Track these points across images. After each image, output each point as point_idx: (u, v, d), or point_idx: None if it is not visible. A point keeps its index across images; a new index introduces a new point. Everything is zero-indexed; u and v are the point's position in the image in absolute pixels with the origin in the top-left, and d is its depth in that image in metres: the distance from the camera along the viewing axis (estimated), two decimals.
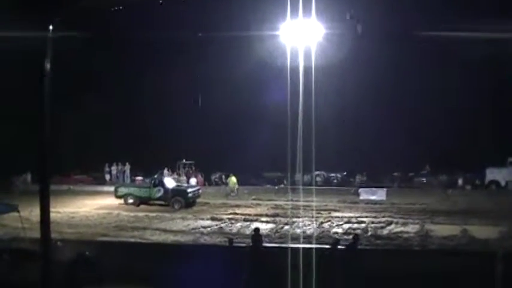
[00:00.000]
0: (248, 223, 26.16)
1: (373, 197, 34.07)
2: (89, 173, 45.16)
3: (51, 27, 12.61)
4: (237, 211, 29.84)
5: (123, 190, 33.87)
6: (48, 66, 12.66)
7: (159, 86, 43.53)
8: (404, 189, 38.57)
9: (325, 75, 33.79)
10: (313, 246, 18.38)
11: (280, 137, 30.96)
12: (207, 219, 27.41)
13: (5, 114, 36.88)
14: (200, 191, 34.62)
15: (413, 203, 31.68)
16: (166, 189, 32.42)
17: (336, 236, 22.27)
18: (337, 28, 32.86)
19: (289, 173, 36.27)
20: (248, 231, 23.09)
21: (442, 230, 23.63)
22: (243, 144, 39.71)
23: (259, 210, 30.59)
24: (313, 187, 35.22)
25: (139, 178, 40.08)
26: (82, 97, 43.21)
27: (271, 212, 29.63)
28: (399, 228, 24.51)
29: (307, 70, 32.62)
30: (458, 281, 14.18)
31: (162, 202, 32.39)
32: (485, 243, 20.28)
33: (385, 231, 23.91)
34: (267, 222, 26.54)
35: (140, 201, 32.69)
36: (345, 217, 27.51)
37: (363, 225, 25.30)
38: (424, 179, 41.32)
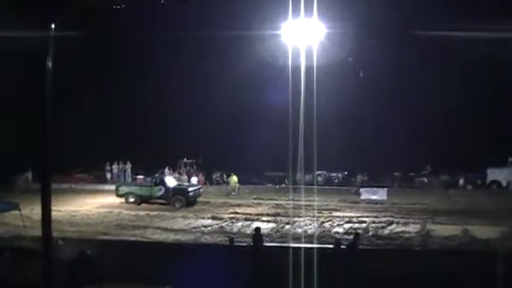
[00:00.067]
0: (249, 222, 26.15)
1: (374, 197, 34.06)
2: (90, 171, 45.12)
3: (53, 26, 12.63)
4: (238, 210, 29.82)
5: (124, 189, 33.90)
6: (50, 65, 12.67)
7: (160, 85, 43.51)
8: (405, 189, 38.51)
9: (327, 74, 33.75)
10: (314, 246, 18.42)
11: (282, 137, 31.04)
12: (208, 219, 27.43)
13: (6, 113, 36.88)
14: (201, 190, 34.64)
15: (414, 203, 31.66)
16: (167, 188, 32.45)
17: (336, 235, 22.35)
18: (339, 27, 32.89)
19: (290, 173, 36.37)
20: (249, 231, 23.08)
21: (443, 230, 23.62)
22: (245, 144, 39.70)
23: (260, 209, 30.58)
24: (315, 187, 35.27)
25: (141, 177, 40.11)
26: (83, 96, 43.27)
27: (272, 211, 29.62)
28: (400, 228, 24.49)
29: (308, 69, 32.66)
30: (459, 281, 14.17)
31: (163, 201, 32.42)
32: (486, 243, 20.26)
33: (386, 231, 23.90)
34: (268, 221, 26.53)
35: (141, 200, 32.71)
36: (346, 217, 27.50)
37: (364, 225, 25.29)
38: (425, 179, 41.24)
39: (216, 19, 34.60)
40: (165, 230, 24.53)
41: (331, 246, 16.39)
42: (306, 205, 29.67)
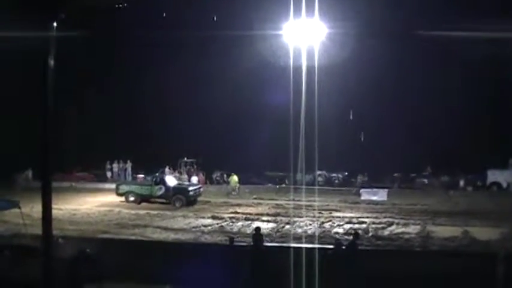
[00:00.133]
0: (249, 222, 26.15)
1: (374, 198, 34.05)
2: (91, 170, 45.14)
3: (54, 24, 12.62)
4: (238, 210, 29.83)
5: (124, 188, 33.92)
6: (51, 63, 12.67)
7: (161, 84, 43.52)
8: (406, 190, 38.51)
9: (328, 74, 33.74)
10: (314, 246, 18.39)
11: (282, 137, 31.04)
12: (208, 218, 27.44)
13: (7, 112, 36.89)
14: (201, 189, 34.64)
15: (414, 204, 31.66)
16: (167, 188, 32.46)
17: (336, 236, 22.36)
18: (340, 27, 32.88)
19: (291, 173, 36.38)
20: (249, 231, 23.07)
21: (443, 231, 23.60)
22: (245, 143, 39.69)
23: (260, 209, 30.57)
24: (315, 187, 35.27)
25: (141, 176, 40.12)
26: (84, 95, 43.28)
27: (273, 211, 29.62)
28: (400, 229, 24.47)
29: (309, 69, 32.67)
30: (459, 282, 14.15)
31: (164, 200, 32.43)
32: (487, 245, 20.24)
33: (386, 232, 23.88)
34: (268, 221, 26.53)
35: (141, 199, 32.74)
36: (346, 217, 27.48)
37: (364, 225, 25.27)
38: (425, 180, 41.25)
39: (217, 19, 34.64)
40: (165, 229, 24.53)
41: (331, 246, 16.37)
42: (306, 205, 29.69)
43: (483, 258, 15.96)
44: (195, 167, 43.74)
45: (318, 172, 39.50)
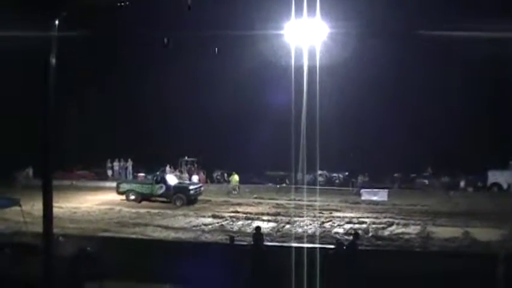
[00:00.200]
0: (249, 221, 26.16)
1: (374, 198, 34.04)
2: (91, 168, 45.17)
3: (56, 23, 12.63)
4: (239, 209, 29.83)
5: (125, 186, 33.94)
6: (52, 62, 12.67)
7: (162, 84, 43.54)
8: (406, 190, 38.49)
9: (329, 74, 33.76)
10: (315, 245, 18.40)
11: (283, 136, 31.07)
12: (209, 217, 27.46)
13: (8, 110, 36.91)
14: (202, 188, 34.65)
15: (414, 204, 31.62)
16: (168, 186, 32.48)
17: (337, 235, 22.37)
18: (342, 27, 32.89)
19: (292, 173, 36.39)
20: (249, 230, 23.07)
21: (443, 231, 23.59)
22: (246, 143, 39.71)
23: (260, 208, 30.56)
24: (315, 187, 35.27)
25: (142, 174, 40.12)
26: (85, 93, 43.31)
27: (273, 211, 29.61)
28: (400, 230, 24.47)
29: (311, 69, 32.69)
30: (459, 283, 14.15)
31: (164, 199, 32.46)
32: (487, 246, 20.24)
33: (386, 232, 23.88)
34: (269, 221, 26.54)
35: (142, 197, 32.76)
36: (346, 217, 27.48)
37: (364, 225, 25.27)
38: (426, 180, 41.25)
39: (218, 18, 34.61)
40: (166, 228, 24.55)
41: (331, 246, 16.38)
42: (306, 205, 29.70)
43: (483, 259, 15.97)
44: (196, 166, 43.75)
45: (319, 172, 39.51)
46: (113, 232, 23.31)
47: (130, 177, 42.76)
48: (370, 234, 23.21)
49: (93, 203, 31.76)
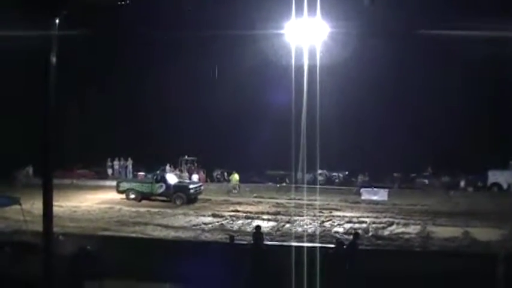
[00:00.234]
0: (249, 220, 26.17)
1: (374, 197, 34.04)
2: (92, 167, 45.18)
3: (56, 22, 12.63)
4: (239, 208, 29.83)
5: (125, 185, 33.93)
6: (53, 61, 12.67)
7: (163, 83, 43.52)
8: (406, 190, 38.46)
9: (330, 74, 33.74)
10: (315, 245, 18.42)
11: (283, 135, 31.06)
12: (209, 216, 27.46)
13: (8, 109, 36.91)
14: (202, 187, 34.65)
15: (414, 204, 31.61)
16: (168, 185, 32.48)
17: (336, 235, 22.39)
18: (342, 27, 32.87)
19: (293, 172, 36.38)
20: (249, 229, 23.07)
21: (443, 231, 23.60)
22: (246, 142, 39.69)
23: (260, 208, 30.55)
24: (315, 186, 35.28)
25: (142, 173, 40.13)
26: (85, 92, 43.32)
27: (273, 210, 29.59)
28: (400, 229, 24.47)
29: (311, 69, 32.68)
30: (459, 283, 14.17)
31: (164, 198, 32.45)
32: (487, 245, 20.24)
33: (386, 232, 23.88)
34: (269, 220, 26.54)
35: (142, 196, 32.75)
36: (346, 217, 27.48)
37: (364, 225, 25.27)
38: (426, 180, 41.23)
39: (219, 18, 34.58)
40: (166, 227, 24.55)
41: (331, 245, 16.39)
42: (306, 204, 29.70)
43: (483, 259, 15.99)
44: (196, 165, 43.75)
45: (319, 171, 39.52)
46: (113, 231, 23.31)
47: (130, 176, 42.75)
48: (370, 234, 23.21)
49: (93, 202, 31.75)
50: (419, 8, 33.88)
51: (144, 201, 32.29)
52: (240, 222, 26.04)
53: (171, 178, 33.92)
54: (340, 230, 24.27)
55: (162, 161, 41.25)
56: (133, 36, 37.09)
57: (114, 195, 33.51)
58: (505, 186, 38.59)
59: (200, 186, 34.60)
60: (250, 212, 28.57)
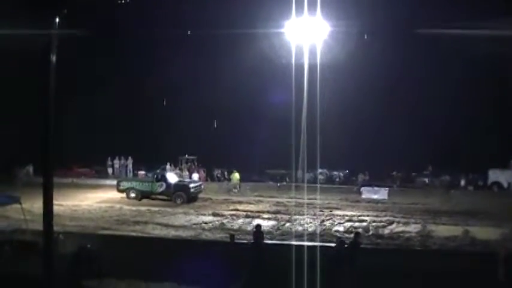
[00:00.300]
0: (250, 219, 26.16)
1: (375, 196, 34.08)
2: (92, 166, 45.22)
3: (57, 21, 12.63)
4: (239, 207, 29.84)
5: (125, 184, 33.93)
6: (53, 59, 12.67)
7: (163, 81, 43.52)
8: (407, 189, 38.47)
9: (330, 73, 33.69)
10: (315, 243, 18.43)
11: (284, 134, 31.04)
12: (209, 215, 27.43)
13: (9, 107, 36.91)
14: (202, 186, 34.65)
15: (415, 203, 31.62)
16: (168, 184, 32.47)
17: (337, 234, 22.39)
18: (342, 26, 32.83)
19: (293, 171, 36.36)
20: (250, 228, 23.07)
21: (443, 230, 23.60)
22: (247, 141, 39.71)
23: (261, 207, 30.56)
24: (316, 185, 35.28)
25: (142, 172, 40.16)
26: (85, 91, 43.27)
27: (273, 209, 29.60)
28: (400, 228, 24.45)
29: (311, 68, 32.63)
30: (460, 281, 14.16)
31: (164, 197, 32.45)
32: (487, 245, 20.22)
33: (386, 231, 23.85)
34: (269, 219, 26.54)
35: (142, 195, 32.75)
36: (347, 215, 27.44)
37: (364, 224, 25.26)
38: (426, 179, 41.24)
39: (219, 17, 34.58)
40: (166, 226, 24.54)
41: (331, 244, 16.40)
42: (306, 203, 29.69)
43: (483, 257, 16.00)
44: (196, 164, 43.77)
45: (319, 170, 39.53)
46: (113, 230, 23.32)
47: (130, 175, 42.81)
48: (371, 233, 23.21)
49: (94, 201, 31.75)
50: (419, 7, 33.88)
51: (144, 200, 32.29)
52: (240, 221, 26.03)
53: (172, 177, 33.92)
54: (341, 229, 24.25)
55: (163, 160, 41.29)
56: (133, 35, 37.09)
57: (114, 194, 33.51)
58: (505, 185, 38.62)
59: (200, 185, 34.60)
60: (251, 211, 28.57)
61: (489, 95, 38.69)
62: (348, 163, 42.44)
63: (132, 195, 32.81)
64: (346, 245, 15.44)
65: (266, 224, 24.46)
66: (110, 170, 45.14)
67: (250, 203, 31.70)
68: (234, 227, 24.39)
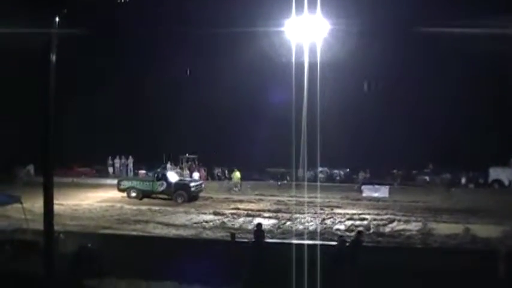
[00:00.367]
0: (251, 218, 26.17)
1: (376, 194, 34.10)
2: (92, 165, 45.23)
3: (57, 20, 12.63)
4: (240, 206, 29.85)
5: (126, 183, 33.94)
6: (53, 58, 12.67)
7: (163, 80, 43.51)
8: (407, 187, 38.47)
9: (330, 71, 33.69)
10: (316, 242, 18.42)
11: (284, 133, 31.02)
12: (210, 214, 27.43)
13: (9, 107, 36.91)
14: (203, 185, 34.65)
15: (416, 201, 31.62)
16: (169, 183, 32.47)
17: (338, 232, 22.40)
18: (343, 24, 32.81)
19: (293, 169, 36.36)
20: (250, 227, 23.07)
21: (444, 228, 23.60)
22: (247, 140, 39.70)
23: (261, 205, 30.59)
24: (316, 183, 35.26)
25: (143, 172, 40.17)
26: (86, 90, 43.27)
27: (274, 207, 29.62)
28: (401, 226, 24.46)
29: (312, 66, 32.63)
30: (460, 279, 14.15)
31: (165, 196, 32.46)
32: (488, 242, 20.22)
33: (387, 229, 23.86)
34: (270, 217, 26.55)
35: (143, 194, 32.76)
36: (348, 214, 27.45)
37: (365, 222, 25.26)
38: (427, 177, 41.21)
39: (219, 15, 34.56)
40: (167, 225, 24.55)
41: (332, 243, 16.38)
42: (307, 202, 29.68)
43: (484, 255, 15.99)
44: (197, 163, 43.78)
45: (320, 168, 39.53)
46: (114, 229, 23.32)
47: (131, 174, 42.81)
48: (372, 231, 23.21)
49: (94, 200, 31.77)
50: (419, 6, 33.85)
51: (145, 200, 32.31)
52: (241, 220, 26.04)
53: (172, 176, 33.94)
54: (342, 227, 24.25)
55: (163, 159, 41.28)
56: (134, 34, 37.07)
57: (115, 194, 33.53)
58: (506, 183, 38.60)
59: (201, 184, 34.60)
60: (252, 210, 28.58)
61: (490, 93, 38.66)
62: (348, 161, 42.44)
63: (133, 194, 32.82)
64: (347, 244, 15.42)
65: (267, 222, 24.49)
66: (110, 169, 45.14)
67: (251, 202, 31.72)
68: (235, 226, 24.42)
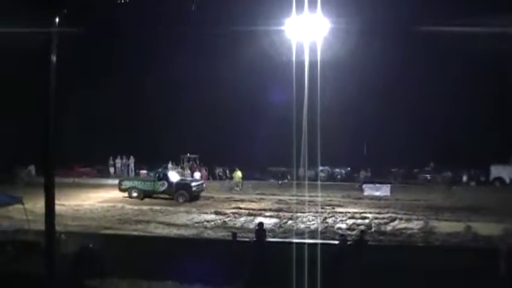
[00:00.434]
0: (252, 218, 26.15)
1: (377, 193, 34.06)
2: (94, 166, 45.25)
3: (57, 20, 12.63)
4: (241, 205, 29.82)
5: (127, 183, 33.93)
6: (54, 58, 12.67)
7: (165, 80, 43.53)
8: (409, 185, 38.45)
9: (331, 70, 33.67)
10: (318, 241, 18.41)
11: (285, 132, 31.01)
12: (211, 213, 27.40)
13: (10, 107, 36.94)
14: (204, 185, 34.63)
15: (417, 199, 31.60)
16: (170, 183, 32.46)
17: (339, 231, 22.39)
18: (343, 23, 32.81)
19: (294, 168, 36.35)
20: (252, 226, 23.06)
21: (446, 226, 23.58)
22: (248, 139, 39.71)
23: (263, 204, 30.58)
24: (317, 182, 35.23)
25: (144, 171, 40.16)
26: (87, 90, 43.30)
27: (275, 206, 29.61)
28: (403, 225, 24.42)
29: (312, 65, 32.60)
30: (461, 277, 14.15)
31: (166, 196, 32.45)
32: (489, 240, 20.20)
33: (388, 227, 23.83)
34: (271, 217, 26.53)
35: (144, 194, 32.75)
36: (349, 212, 27.42)
37: (367, 221, 25.24)
38: (428, 175, 41.21)
39: (220, 14, 34.54)
40: (168, 224, 24.52)
41: (334, 242, 16.38)
42: (308, 201, 29.66)
43: (485, 253, 15.98)
44: (198, 162, 43.78)
45: (321, 167, 39.52)
46: (115, 229, 23.29)
47: (132, 174, 42.81)
48: (373, 229, 23.19)
49: (96, 200, 31.76)
50: (419, 4, 33.85)
51: (146, 199, 32.29)
52: (242, 219, 26.01)
53: (173, 176, 33.92)
54: (343, 226, 24.23)
55: (164, 159, 41.29)
56: (134, 34, 37.07)
57: (116, 194, 33.52)
58: (507, 180, 38.57)
59: (202, 183, 34.58)
60: (253, 209, 28.55)
61: (490, 91, 38.65)
62: (349, 160, 42.46)
63: (134, 194, 32.81)
64: (349, 243, 15.42)
65: (268, 222, 24.45)
66: (111, 170, 45.15)
67: (252, 201, 31.71)
68: (236, 225, 24.37)
